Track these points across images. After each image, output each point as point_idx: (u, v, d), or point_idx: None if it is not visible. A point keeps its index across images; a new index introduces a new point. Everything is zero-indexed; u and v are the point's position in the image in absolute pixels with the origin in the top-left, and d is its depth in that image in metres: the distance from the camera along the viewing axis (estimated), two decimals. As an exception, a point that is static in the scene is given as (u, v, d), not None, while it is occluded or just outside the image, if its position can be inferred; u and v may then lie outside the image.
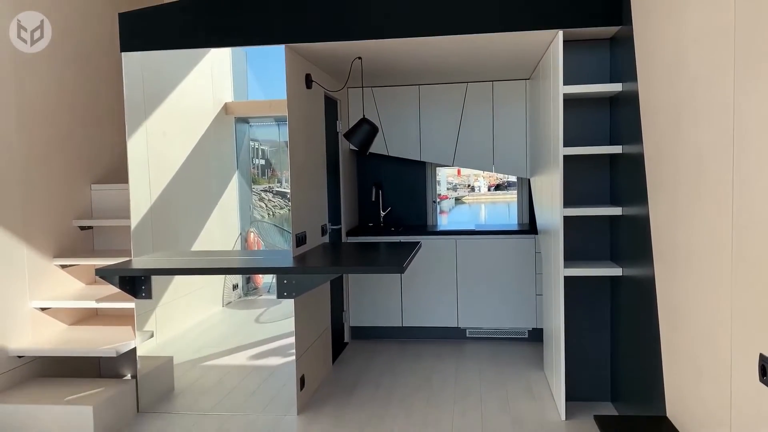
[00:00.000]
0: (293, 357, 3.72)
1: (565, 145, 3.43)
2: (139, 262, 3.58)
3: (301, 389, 3.76)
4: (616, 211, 3.40)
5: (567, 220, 3.48)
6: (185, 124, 5.49)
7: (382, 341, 5.20)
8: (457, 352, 4.90)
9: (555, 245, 3.60)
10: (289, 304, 3.71)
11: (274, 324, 5.76)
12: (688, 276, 2.28)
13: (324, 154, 4.46)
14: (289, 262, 3.44)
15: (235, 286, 6.86)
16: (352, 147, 5.28)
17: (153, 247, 4.46)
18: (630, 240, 3.22)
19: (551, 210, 3.71)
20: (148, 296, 3.66)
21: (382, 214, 5.66)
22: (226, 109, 6.53)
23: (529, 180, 5.43)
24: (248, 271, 3.25)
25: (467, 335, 5.18)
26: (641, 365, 3.01)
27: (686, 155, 2.28)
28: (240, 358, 4.85)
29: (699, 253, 2.16)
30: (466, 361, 4.65)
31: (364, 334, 5.29)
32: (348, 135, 3.92)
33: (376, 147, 5.32)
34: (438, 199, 5.99)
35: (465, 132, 5.24)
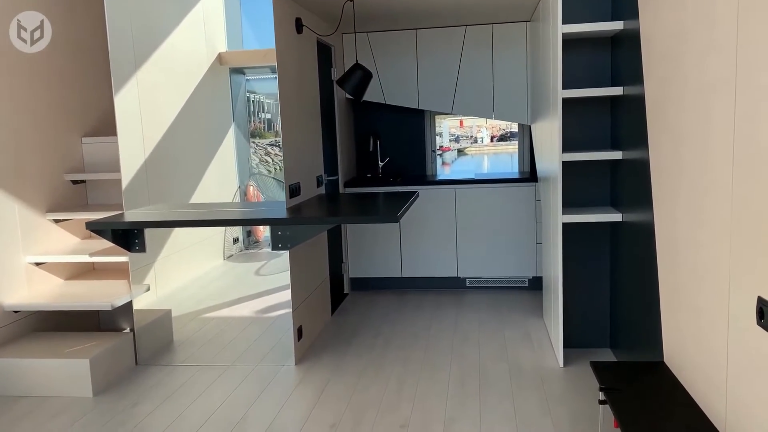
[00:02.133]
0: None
1: (565, 87, 3.31)
2: (131, 215, 3.53)
3: (299, 339, 3.76)
4: (617, 155, 3.31)
5: (566, 165, 3.39)
6: (178, 76, 5.37)
7: (382, 292, 5.19)
8: (457, 301, 4.88)
9: (554, 192, 3.53)
10: (297, 248, 3.69)
11: (275, 276, 5.78)
12: (688, 218, 2.21)
13: (318, 102, 4.34)
14: (282, 214, 3.38)
15: (235, 240, 6.86)
16: (347, 95, 5.16)
17: (149, 200, 4.41)
18: (630, 184, 3.14)
19: (550, 156, 3.62)
20: (142, 249, 3.62)
21: (380, 164, 5.57)
22: (220, 59, 6.38)
23: (530, 127, 5.30)
24: (239, 223, 3.20)
25: (467, 285, 5.16)
26: (640, 311, 2.98)
27: (690, 95, 2.18)
28: (240, 311, 4.86)
29: (699, 194, 2.08)
30: (466, 310, 4.64)
31: (364, 285, 5.27)
32: (341, 81, 3.80)
33: (373, 95, 5.20)
34: (440, 151, 5.88)
35: (464, 78, 5.09)
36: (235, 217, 3.33)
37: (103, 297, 3.71)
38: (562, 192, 3.36)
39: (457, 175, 5.38)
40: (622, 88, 3.25)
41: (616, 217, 3.34)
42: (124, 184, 3.81)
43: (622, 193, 3.34)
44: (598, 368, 2.55)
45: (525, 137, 5.50)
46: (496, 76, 5.05)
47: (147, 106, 4.51)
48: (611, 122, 3.57)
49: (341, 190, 5.03)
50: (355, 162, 5.61)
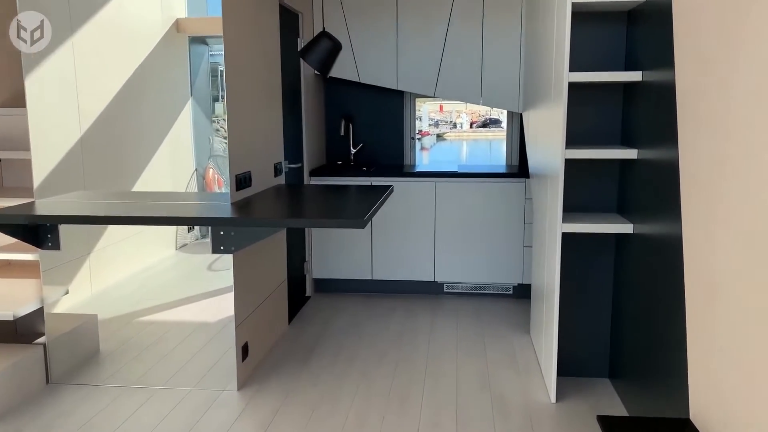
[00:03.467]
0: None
1: (571, 70, 2.74)
2: (42, 206, 2.90)
3: (243, 359, 3.17)
4: (630, 153, 2.75)
5: (568, 164, 2.83)
6: (126, 42, 4.67)
7: (349, 296, 4.62)
8: (433, 309, 4.33)
9: (552, 194, 2.97)
10: (248, 248, 3.09)
11: (230, 272, 5.16)
12: (733, 239, 1.67)
13: (279, 78, 3.72)
14: (225, 211, 2.78)
15: (190, 228, 6.20)
16: (316, 71, 4.54)
17: (84, 184, 3.76)
18: (647, 189, 2.59)
19: (549, 151, 3.05)
20: (56, 246, 2.99)
21: (353, 151, 4.97)
22: (177, 26, 5.67)
23: (521, 115, 4.74)
24: (160, 222, 2.60)
25: (444, 290, 4.60)
26: (653, 343, 2.44)
27: (746, 82, 1.62)
28: (184, 314, 4.26)
29: (753, 209, 1.53)
30: (443, 321, 4.09)
31: (329, 287, 4.69)
32: (304, 52, 3.19)
33: (346, 72, 4.58)
34: (419, 135, 5.29)
35: (450, 57, 4.49)
36: (161, 213, 2.70)
37: (15, 300, 3.08)
38: (562, 193, 2.80)
39: (437, 166, 4.80)
40: (641, 72, 2.69)
41: (625, 227, 2.79)
42: (39, 165, 3.16)
43: (634, 199, 2.80)
44: (609, 426, 2.00)
45: (514, 126, 4.93)
46: (486, 56, 4.46)
47: (85, 74, 3.84)
48: (623, 114, 3.02)
49: (306, 180, 4.42)
50: (324, 148, 5.00)
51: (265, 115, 3.45)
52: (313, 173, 4.48)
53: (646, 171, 2.59)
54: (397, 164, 4.94)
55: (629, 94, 2.91)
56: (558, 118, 2.80)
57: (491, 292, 4.54)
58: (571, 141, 2.92)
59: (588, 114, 3.06)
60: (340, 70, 4.57)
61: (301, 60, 4.20)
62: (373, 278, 4.55)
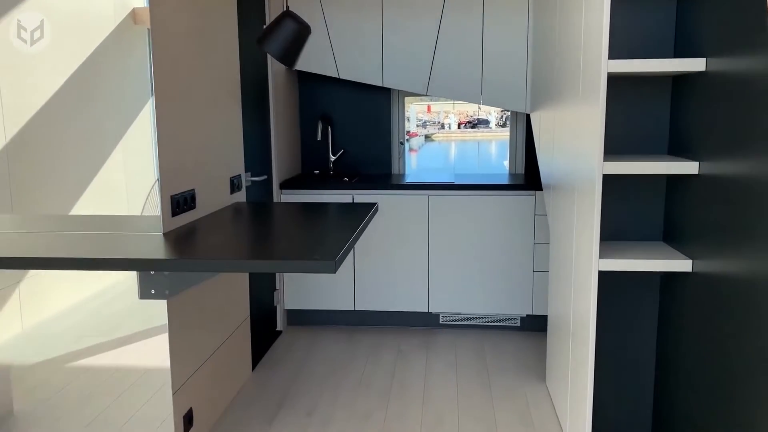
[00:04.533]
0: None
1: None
2: None
3: (188, 429, 2.48)
4: (688, 167, 2.09)
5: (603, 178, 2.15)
6: (68, 34, 3.94)
7: (328, 330, 3.93)
8: (427, 346, 3.65)
9: (583, 217, 2.30)
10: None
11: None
12: None
13: (236, 72, 3.03)
14: (152, 245, 2.09)
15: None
16: (280, 62, 3.83)
17: (12, 204, 3.05)
18: (713, 214, 1.92)
19: (577, 162, 2.38)
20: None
21: (332, 158, 4.28)
22: (134, 17, 4.96)
23: (527, 116, 4.07)
24: (73, 264, 1.92)
25: (440, 322, 3.92)
26: (715, 413, 1.77)
27: None
28: (132, 355, 3.54)
29: None
30: (439, 363, 3.41)
31: (305, 319, 4.00)
32: (263, 38, 2.49)
33: (323, 66, 3.89)
34: (408, 136, 4.62)
35: (444, 50, 3.82)
36: (63, 254, 2.00)
37: None
38: (599, 220, 2.12)
39: (431, 176, 4.13)
40: (704, 60, 2.02)
41: (682, 264, 2.12)
42: None
43: (691, 226, 2.13)
44: None
45: (519, 129, 4.26)
46: (487, 48, 3.79)
47: (12, 71, 3.13)
48: (671, 114, 2.36)
49: (275, 195, 3.73)
50: (299, 155, 4.31)
51: (216, 118, 2.76)
52: (285, 186, 3.79)
53: (712, 189, 1.93)
54: (384, 173, 4.27)
55: (682, 89, 2.25)
56: (591, 120, 2.13)
57: (495, 324, 3.87)
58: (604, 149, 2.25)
59: (623, 114, 2.40)
60: (316, 64, 3.89)
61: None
62: (357, 309, 3.87)
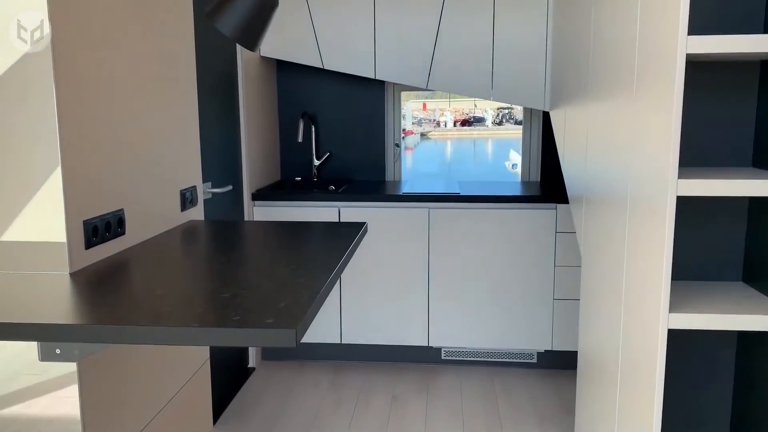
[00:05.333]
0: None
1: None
2: None
3: None
4: (793, 187, 1.49)
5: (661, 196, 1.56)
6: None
7: (310, 366, 3.34)
8: (427, 387, 3.07)
9: (642, 246, 1.70)
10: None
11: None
12: None
13: (190, 60, 2.42)
14: (45, 297, 1.49)
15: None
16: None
17: None
18: None
19: (637, 174, 1.78)
20: None
21: (316, 162, 3.68)
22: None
23: (543, 115, 3.49)
24: None
25: (442, 358, 3.33)
26: None
27: None
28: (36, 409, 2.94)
29: None
30: (441, 409, 2.82)
31: (282, 353, 3.41)
32: (213, 12, 1.89)
33: (305, 55, 3.30)
34: (402, 135, 4.02)
35: (447, 39, 3.23)
36: None
37: None
38: (670, 261, 1.53)
39: (431, 185, 3.53)
40: (822, 36, 1.43)
41: (781, 320, 1.53)
42: None
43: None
44: None
45: (534, 130, 3.67)
46: (498, 37, 3.20)
47: None
48: (758, 112, 1.77)
49: (246, 208, 3.13)
50: (277, 159, 3.71)
51: (158, 117, 2.16)
52: (258, 197, 3.19)
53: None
54: (377, 180, 3.67)
55: (776, 79, 1.66)
56: (657, 120, 1.53)
57: (508, 360, 3.28)
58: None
59: (693, 112, 1.81)
60: (297, 52, 3.29)
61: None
62: (343, 342, 3.27)
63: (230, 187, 2.76)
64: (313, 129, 3.66)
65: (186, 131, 2.37)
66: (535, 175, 3.69)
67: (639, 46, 1.69)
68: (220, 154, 2.83)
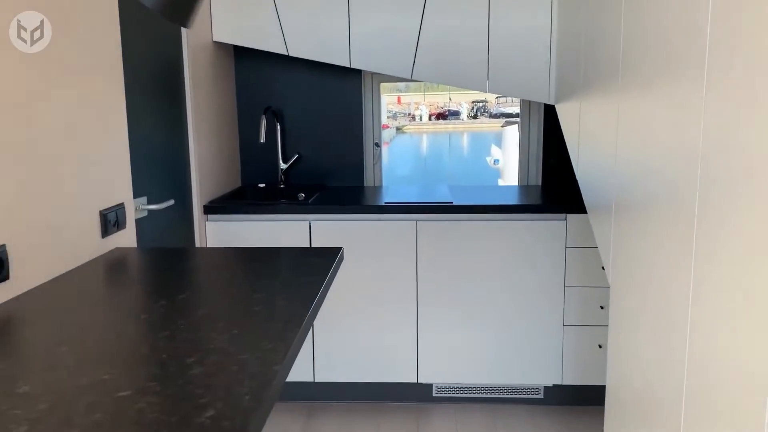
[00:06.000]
0: None
1: None
2: None
3: None
4: None
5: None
6: None
7: (278, 410, 2.82)
8: (417, 431, 2.59)
9: (738, 267, 1.22)
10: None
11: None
12: None
13: (114, 46, 1.88)
14: None
15: None
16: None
17: None
18: None
19: (727, 172, 1.31)
20: None
21: (282, 166, 3.16)
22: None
23: (547, 109, 3.03)
24: None
25: (434, 395, 2.85)
26: None
27: None
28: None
29: None
30: (436, 471, 2.34)
31: (246, 391, 2.89)
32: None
33: (266, 39, 2.78)
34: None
35: (435, 21, 2.74)
36: None
37: None
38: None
39: (419, 194, 3.04)
40: None
41: None
42: None
43: None
44: None
45: (534, 128, 3.20)
46: (495, 17, 2.72)
47: None
48: None
49: (196, 225, 2.60)
50: (237, 163, 3.18)
51: (66, 114, 1.62)
52: (212, 210, 2.66)
53: None
54: (354, 186, 3.17)
55: None
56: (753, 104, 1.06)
57: (510, 397, 2.81)
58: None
59: None
60: (258, 36, 2.78)
61: (190, 16, 2.37)
62: (317, 380, 2.77)
63: (172, 202, 2.23)
64: (279, 127, 3.14)
65: (109, 133, 1.83)
66: (535, 179, 3.22)
67: (712, 22, 1.20)
68: (160, 160, 2.30)
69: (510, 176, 9.03)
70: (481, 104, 33.84)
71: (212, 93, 2.80)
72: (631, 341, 1.69)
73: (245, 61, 3.12)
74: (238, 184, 3.20)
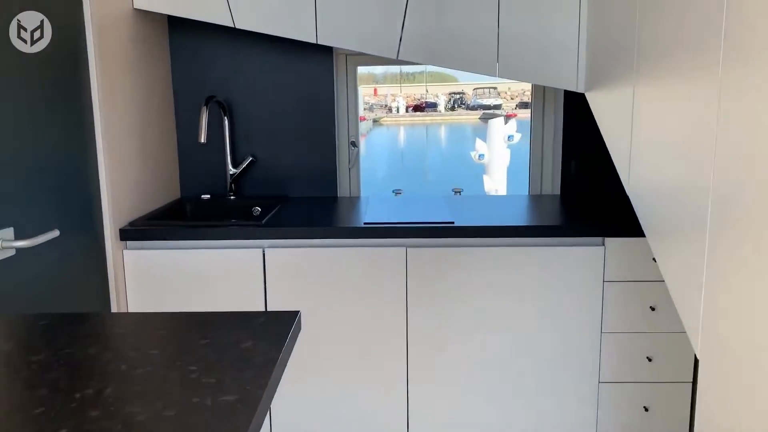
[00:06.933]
0: None
1: None
2: None
3: None
4: None
5: None
6: None
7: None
8: None
9: None
10: None
11: None
12: None
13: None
14: None
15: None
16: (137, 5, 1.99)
17: None
18: None
19: None
20: None
21: (232, 171, 2.48)
22: None
23: (564, 101, 2.41)
24: None
25: (430, 470, 2.20)
26: None
27: None
28: None
29: None
30: None
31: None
32: None
33: (204, 7, 2.10)
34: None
35: (428, -23, 2.08)
36: None
37: None
38: None
39: (408, 210, 2.39)
40: None
41: None
42: None
43: None
44: None
45: (550, 123, 2.57)
46: (503, -24, 2.07)
47: None
48: None
49: (110, 254, 1.91)
50: (175, 170, 2.49)
51: None
52: (132, 236, 1.98)
53: None
54: (324, 197, 2.50)
55: None
56: None
57: (527, 471, 2.18)
58: None
59: None
60: (195, 3, 2.09)
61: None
62: (277, 455, 2.11)
63: (55, 233, 1.54)
64: (227, 122, 2.45)
65: None
66: (549, 187, 2.59)
67: None
68: (44, 175, 1.61)
69: (495, 172, 8.45)
70: (458, 96, 33.27)
71: (135, 80, 2.11)
72: (739, 399, 1.03)
73: (183, 38, 2.43)
74: (178, 195, 2.51)
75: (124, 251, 1.98)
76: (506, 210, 2.29)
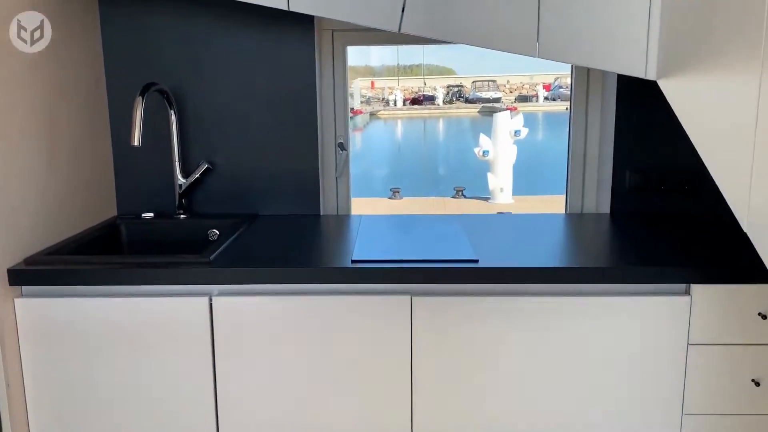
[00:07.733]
0: None
1: None
2: None
3: None
4: None
5: None
6: None
7: None
8: None
9: None
10: None
11: None
12: None
13: None
14: None
15: None
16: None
17: None
18: None
19: None
20: None
21: (181, 182, 1.90)
22: None
23: (618, 96, 1.84)
24: None
25: None
26: None
27: None
28: None
29: None
30: None
31: None
32: None
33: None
34: (351, 114, 2.25)
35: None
36: None
37: None
38: None
39: (412, 238, 1.83)
40: None
41: None
42: None
43: None
44: None
45: (591, 121, 2.00)
46: None
47: None
48: None
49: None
50: (111, 180, 1.91)
51: None
52: (27, 278, 1.40)
53: None
54: (302, 216, 1.93)
55: None
56: None
57: None
58: None
59: None
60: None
61: None
62: None
63: None
64: (174, 118, 1.87)
65: None
66: (594, 203, 2.02)
67: None
68: None
69: (501, 170, 7.87)
70: (456, 89, 32.64)
71: (43, 73, 1.53)
72: None
73: (119, 15, 1.85)
74: (113, 214, 1.93)
75: (16, 302, 1.41)
76: (543, 238, 1.72)
